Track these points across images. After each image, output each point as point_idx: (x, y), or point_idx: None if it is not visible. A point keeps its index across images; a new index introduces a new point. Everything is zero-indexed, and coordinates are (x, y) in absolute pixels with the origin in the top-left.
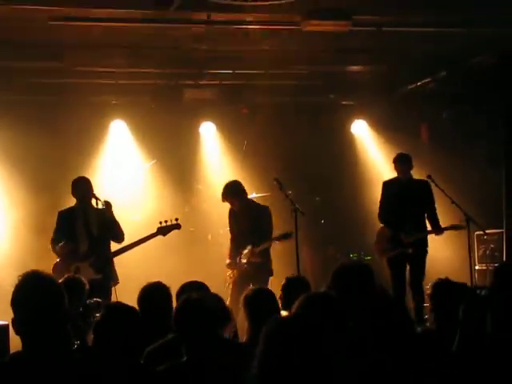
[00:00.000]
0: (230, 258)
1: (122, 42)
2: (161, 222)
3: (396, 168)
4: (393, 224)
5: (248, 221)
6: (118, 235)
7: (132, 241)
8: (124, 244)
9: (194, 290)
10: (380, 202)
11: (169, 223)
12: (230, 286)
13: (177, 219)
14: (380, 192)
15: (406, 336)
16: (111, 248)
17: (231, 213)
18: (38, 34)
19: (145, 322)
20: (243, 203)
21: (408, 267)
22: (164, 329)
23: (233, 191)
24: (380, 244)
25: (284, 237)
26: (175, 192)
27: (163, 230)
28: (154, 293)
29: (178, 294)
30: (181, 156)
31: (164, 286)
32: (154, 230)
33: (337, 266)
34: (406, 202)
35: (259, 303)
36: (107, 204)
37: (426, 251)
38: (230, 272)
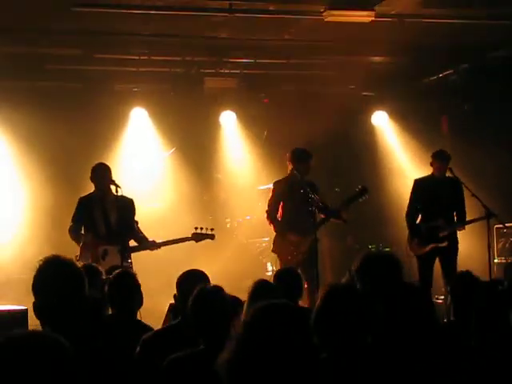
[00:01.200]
0: (294, 234)
1: (144, 30)
2: (196, 228)
3: (434, 164)
4: (420, 227)
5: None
6: (138, 236)
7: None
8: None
9: (196, 278)
10: (410, 200)
11: (204, 231)
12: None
13: (212, 229)
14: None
15: (431, 329)
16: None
17: (286, 187)
18: (61, 21)
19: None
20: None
21: (441, 262)
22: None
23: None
24: (415, 240)
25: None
26: (194, 180)
27: (197, 237)
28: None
29: (179, 282)
30: (200, 144)
31: (130, 273)
32: (189, 235)
33: (363, 255)
34: (440, 200)
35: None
36: (130, 201)
37: (457, 247)
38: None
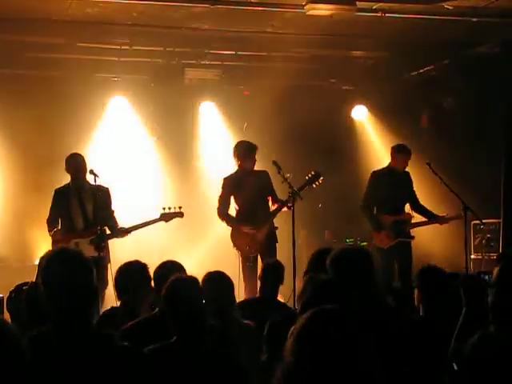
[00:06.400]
0: (247, 226)
1: (126, 20)
2: (164, 208)
3: (398, 157)
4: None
5: (263, 182)
6: (113, 222)
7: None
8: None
9: (172, 270)
10: (368, 192)
11: (172, 210)
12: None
13: (180, 207)
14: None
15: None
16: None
17: (235, 181)
18: (42, 9)
19: (120, 300)
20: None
21: (397, 256)
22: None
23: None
24: (384, 232)
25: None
26: (174, 170)
27: (166, 217)
28: (130, 271)
29: (155, 274)
30: (180, 135)
31: (142, 264)
32: (157, 216)
33: (337, 250)
34: (399, 193)
35: None
36: (106, 190)
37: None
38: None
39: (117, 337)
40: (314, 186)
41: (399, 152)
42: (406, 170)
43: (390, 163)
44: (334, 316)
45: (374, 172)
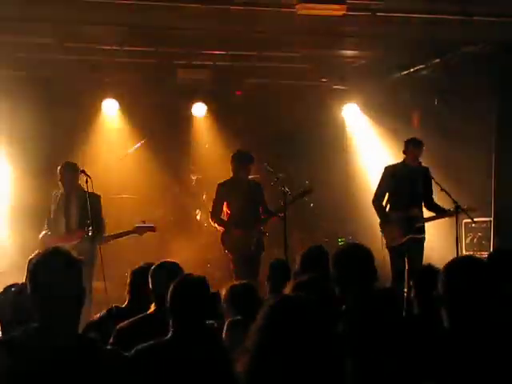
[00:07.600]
0: (238, 230)
1: (117, 20)
2: (141, 222)
3: (410, 151)
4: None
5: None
6: (98, 229)
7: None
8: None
9: (168, 270)
10: (379, 187)
11: (146, 224)
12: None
13: (154, 226)
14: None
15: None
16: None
17: (229, 187)
18: (31, 9)
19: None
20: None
21: (408, 253)
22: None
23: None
24: (393, 230)
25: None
26: (165, 172)
27: (139, 230)
28: (142, 273)
29: (152, 274)
30: (172, 136)
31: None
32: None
33: (339, 247)
34: (412, 189)
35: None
36: (96, 198)
37: (425, 238)
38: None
39: (99, 341)
40: (305, 198)
41: (408, 144)
42: (425, 165)
43: (404, 158)
44: (295, 303)
45: (386, 167)
